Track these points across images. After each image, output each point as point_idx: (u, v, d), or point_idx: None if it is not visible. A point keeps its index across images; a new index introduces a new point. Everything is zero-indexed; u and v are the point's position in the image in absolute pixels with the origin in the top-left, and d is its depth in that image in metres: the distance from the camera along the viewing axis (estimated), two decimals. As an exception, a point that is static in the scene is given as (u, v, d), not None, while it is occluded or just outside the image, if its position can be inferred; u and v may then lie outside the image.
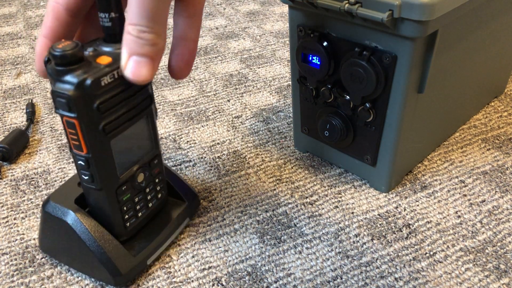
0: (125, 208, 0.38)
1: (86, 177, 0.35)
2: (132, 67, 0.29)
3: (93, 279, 0.39)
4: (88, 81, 0.30)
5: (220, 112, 0.62)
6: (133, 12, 0.28)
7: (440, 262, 0.40)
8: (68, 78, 0.29)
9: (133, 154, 0.37)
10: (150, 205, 0.40)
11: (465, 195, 0.47)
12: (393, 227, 0.44)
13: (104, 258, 0.37)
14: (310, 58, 0.44)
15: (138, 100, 0.35)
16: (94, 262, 0.37)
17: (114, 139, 0.34)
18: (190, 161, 0.53)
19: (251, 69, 0.73)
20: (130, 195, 0.38)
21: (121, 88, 0.32)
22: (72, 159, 0.53)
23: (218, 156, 0.54)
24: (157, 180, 0.40)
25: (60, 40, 0.30)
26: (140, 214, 0.40)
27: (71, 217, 0.37)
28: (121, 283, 0.38)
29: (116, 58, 0.31)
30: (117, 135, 0.34)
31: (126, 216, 0.38)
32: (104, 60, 0.31)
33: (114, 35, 0.32)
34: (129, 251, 0.39)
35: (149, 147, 0.38)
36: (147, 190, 0.39)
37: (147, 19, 0.28)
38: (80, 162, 0.34)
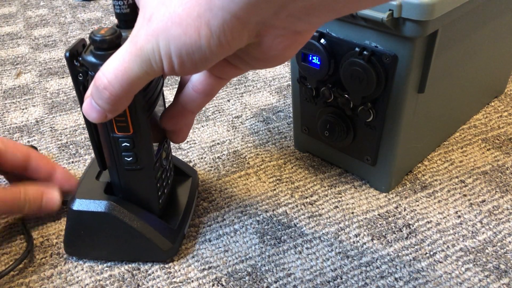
0: (158, 184, 0.39)
1: (129, 159, 0.36)
2: (86, 104, 0.29)
3: (93, 279, 0.39)
4: None
5: (220, 112, 0.62)
6: (113, 66, 0.26)
7: (440, 262, 0.40)
8: None
9: (157, 132, 0.38)
10: (169, 181, 0.43)
11: (465, 195, 0.47)
12: (393, 227, 0.44)
13: (154, 235, 0.39)
14: (310, 58, 0.44)
15: (159, 77, 0.36)
16: (142, 241, 0.39)
17: (149, 117, 0.35)
18: (190, 161, 0.53)
19: (251, 69, 0.73)
20: (160, 171, 0.39)
21: None
22: (70, 160, 0.53)
23: (218, 156, 0.54)
24: (170, 157, 0.42)
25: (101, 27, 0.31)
26: (166, 190, 0.42)
27: (109, 206, 0.38)
28: (172, 254, 0.40)
29: None
30: (151, 112, 0.35)
31: (159, 193, 0.40)
32: None
33: (130, 21, 0.32)
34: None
35: None
36: (167, 166, 0.41)
37: (119, 83, 0.26)
38: (125, 144, 0.35)
